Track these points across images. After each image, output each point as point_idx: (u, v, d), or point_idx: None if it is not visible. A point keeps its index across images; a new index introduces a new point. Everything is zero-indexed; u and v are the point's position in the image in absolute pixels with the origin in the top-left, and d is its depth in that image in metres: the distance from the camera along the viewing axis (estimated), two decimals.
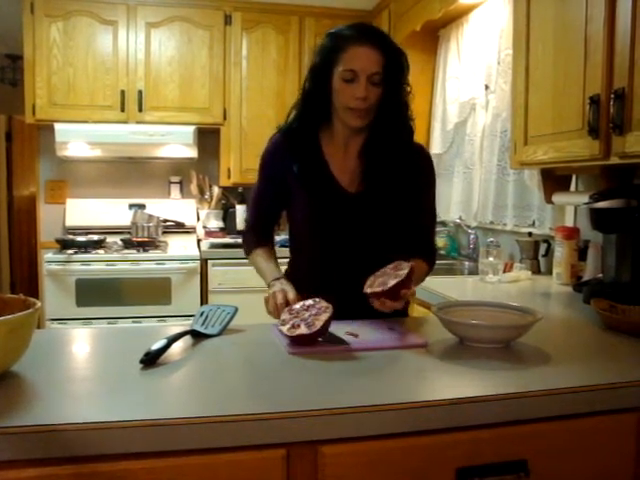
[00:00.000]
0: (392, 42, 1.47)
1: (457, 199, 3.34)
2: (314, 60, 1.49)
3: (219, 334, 1.33)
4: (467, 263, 3.08)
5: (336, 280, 1.51)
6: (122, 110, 3.55)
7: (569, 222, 2.39)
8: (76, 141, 3.48)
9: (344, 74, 1.41)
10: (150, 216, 3.65)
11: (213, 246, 3.60)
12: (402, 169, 1.51)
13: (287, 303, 1.37)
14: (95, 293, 3.26)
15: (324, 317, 1.22)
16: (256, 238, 1.65)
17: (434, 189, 1.61)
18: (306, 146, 1.52)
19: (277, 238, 1.69)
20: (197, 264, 3.39)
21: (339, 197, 1.51)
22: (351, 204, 1.51)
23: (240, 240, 3.63)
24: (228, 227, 3.86)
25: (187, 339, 1.27)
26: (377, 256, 1.44)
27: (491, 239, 2.67)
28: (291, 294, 1.39)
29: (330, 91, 1.46)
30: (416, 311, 2.23)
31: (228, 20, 3.67)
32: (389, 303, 1.29)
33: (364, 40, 1.41)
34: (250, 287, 3.30)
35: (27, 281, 5.43)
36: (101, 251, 3.38)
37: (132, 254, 3.36)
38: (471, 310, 1.38)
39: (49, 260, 3.25)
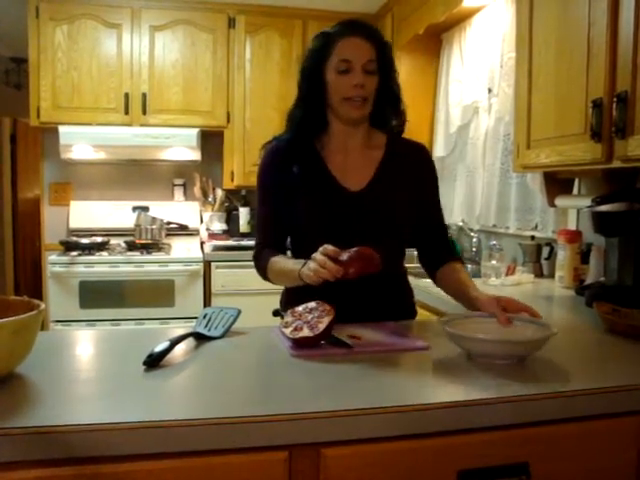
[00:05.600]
0: (380, 33, 1.48)
1: (460, 202, 3.34)
2: (305, 62, 1.49)
3: (222, 336, 1.33)
4: (470, 266, 3.07)
5: (339, 282, 1.47)
6: (126, 113, 3.56)
7: (572, 225, 2.39)
8: (80, 144, 3.49)
9: (339, 65, 1.41)
10: (154, 218, 3.66)
11: (216, 248, 3.60)
12: (403, 162, 1.52)
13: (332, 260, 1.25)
14: (98, 295, 3.27)
15: (327, 320, 1.22)
16: (270, 252, 1.52)
17: (438, 186, 1.61)
18: (304, 149, 1.51)
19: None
20: (200, 266, 3.40)
21: (340, 196, 1.49)
22: (353, 202, 1.48)
23: (244, 243, 3.69)
24: (231, 230, 3.87)
25: (190, 341, 1.28)
26: (381, 256, 1.43)
27: (494, 242, 2.67)
28: (328, 247, 1.27)
29: (324, 90, 1.45)
30: (418, 314, 2.23)
31: (232, 23, 3.68)
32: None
33: (354, 31, 1.42)
34: (253, 289, 3.32)
35: (31, 283, 5.45)
36: (105, 253, 3.39)
37: (135, 256, 3.37)
38: (480, 323, 1.28)
39: (53, 262, 3.26)
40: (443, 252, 1.56)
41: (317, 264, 1.25)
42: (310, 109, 1.50)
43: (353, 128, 1.51)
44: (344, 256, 1.26)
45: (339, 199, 1.49)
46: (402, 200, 1.51)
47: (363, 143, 1.53)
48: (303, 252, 1.47)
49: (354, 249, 1.27)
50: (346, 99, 1.43)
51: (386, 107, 1.51)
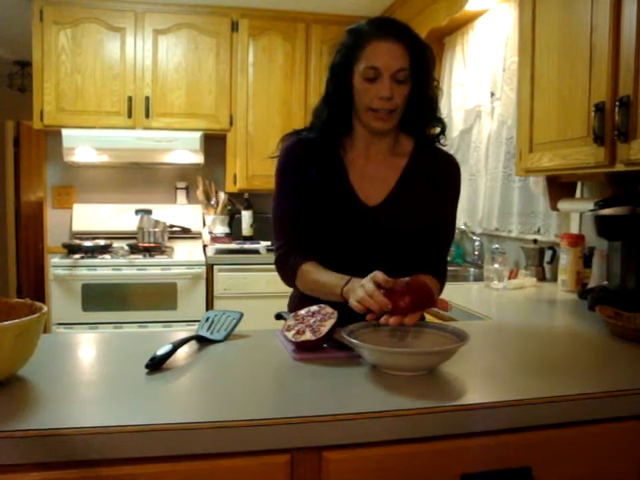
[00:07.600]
0: (416, 35, 1.36)
1: (462, 206, 3.33)
2: (333, 58, 1.39)
3: (224, 340, 1.33)
4: (472, 270, 3.07)
5: None
6: (129, 116, 3.57)
7: (574, 229, 2.38)
8: (83, 147, 3.50)
9: (366, 72, 1.31)
10: (156, 221, 3.66)
11: (219, 252, 3.60)
12: (426, 172, 1.44)
13: (380, 287, 1.16)
14: (101, 298, 3.27)
15: (329, 323, 1.22)
16: (298, 256, 1.42)
17: (457, 203, 1.52)
18: (325, 152, 1.43)
19: None
20: (203, 269, 3.40)
21: (357, 210, 1.41)
22: (369, 217, 1.41)
23: (246, 246, 3.68)
24: (234, 233, 3.87)
25: (192, 344, 1.28)
26: (394, 272, 1.41)
27: (496, 246, 2.67)
28: (379, 274, 1.17)
29: (351, 91, 1.36)
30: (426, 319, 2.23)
31: (235, 27, 3.69)
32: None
33: (386, 34, 1.30)
34: (255, 293, 3.33)
35: (34, 285, 5.47)
36: (107, 256, 3.39)
37: (138, 259, 3.37)
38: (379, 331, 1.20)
39: (56, 265, 3.26)
40: (427, 266, 1.41)
41: (365, 292, 1.16)
42: (335, 109, 1.41)
43: (377, 136, 1.43)
44: (396, 287, 1.16)
45: (355, 214, 1.42)
46: (420, 210, 1.43)
47: (388, 150, 1.45)
48: (322, 251, 1.42)
49: (407, 279, 1.17)
50: (370, 109, 1.34)
51: (420, 114, 1.42)
